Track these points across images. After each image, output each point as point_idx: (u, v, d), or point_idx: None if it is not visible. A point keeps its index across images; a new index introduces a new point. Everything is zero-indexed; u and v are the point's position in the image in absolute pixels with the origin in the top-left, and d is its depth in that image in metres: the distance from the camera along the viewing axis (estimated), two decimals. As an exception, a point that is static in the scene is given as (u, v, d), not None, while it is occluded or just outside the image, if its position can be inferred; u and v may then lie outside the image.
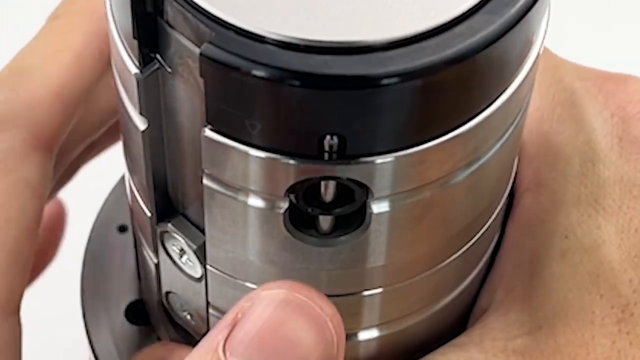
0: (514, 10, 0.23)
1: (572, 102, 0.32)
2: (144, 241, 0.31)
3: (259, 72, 0.23)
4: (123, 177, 0.36)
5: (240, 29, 0.23)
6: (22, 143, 0.32)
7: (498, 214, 0.31)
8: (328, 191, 0.25)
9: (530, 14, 0.24)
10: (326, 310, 0.25)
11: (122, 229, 0.36)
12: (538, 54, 0.26)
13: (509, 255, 0.32)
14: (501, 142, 0.26)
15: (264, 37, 0.23)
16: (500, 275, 0.32)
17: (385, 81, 0.23)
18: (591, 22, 0.68)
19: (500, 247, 0.33)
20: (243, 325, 0.25)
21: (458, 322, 0.33)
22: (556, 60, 0.33)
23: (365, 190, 0.25)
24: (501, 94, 0.25)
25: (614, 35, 0.67)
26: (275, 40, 0.23)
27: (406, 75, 0.23)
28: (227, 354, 0.25)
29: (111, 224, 0.37)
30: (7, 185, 0.31)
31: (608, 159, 0.32)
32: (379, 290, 0.29)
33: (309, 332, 0.25)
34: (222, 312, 0.30)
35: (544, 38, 0.26)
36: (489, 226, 0.30)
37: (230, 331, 0.25)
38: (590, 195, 0.31)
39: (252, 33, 0.23)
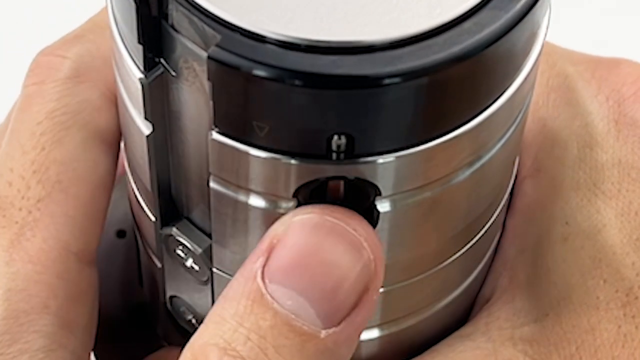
0: (519, 5, 0.24)
1: (566, 86, 0.33)
2: (147, 246, 0.31)
3: (267, 74, 0.22)
4: (121, 182, 0.35)
5: (246, 30, 0.23)
6: (99, 96, 0.32)
7: (501, 210, 0.31)
8: (336, 191, 0.25)
9: (535, 8, 0.24)
10: (359, 231, 0.25)
11: (121, 233, 0.36)
12: (541, 48, 0.26)
13: (511, 242, 0.32)
14: (505, 137, 0.27)
15: (270, 38, 0.23)
16: (503, 262, 0.32)
17: (393, 80, 0.23)
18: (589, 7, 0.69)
19: (502, 234, 0.33)
20: (279, 251, 0.25)
21: (462, 319, 0.33)
22: (548, 47, 0.33)
23: (374, 190, 0.25)
24: (507, 89, 0.25)
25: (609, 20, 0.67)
26: (282, 41, 0.23)
27: (414, 74, 0.23)
28: (267, 281, 0.25)
29: (109, 228, 0.36)
30: (83, 138, 0.31)
31: (605, 143, 0.32)
32: (382, 289, 0.29)
33: (345, 253, 0.25)
34: None
35: (546, 32, 0.26)
36: (492, 223, 0.30)
37: (267, 259, 0.25)
38: (589, 180, 0.31)
39: (258, 35, 0.23)
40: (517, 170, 0.32)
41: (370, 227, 0.26)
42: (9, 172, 0.30)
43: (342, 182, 0.25)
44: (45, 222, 0.30)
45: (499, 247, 0.33)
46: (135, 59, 0.25)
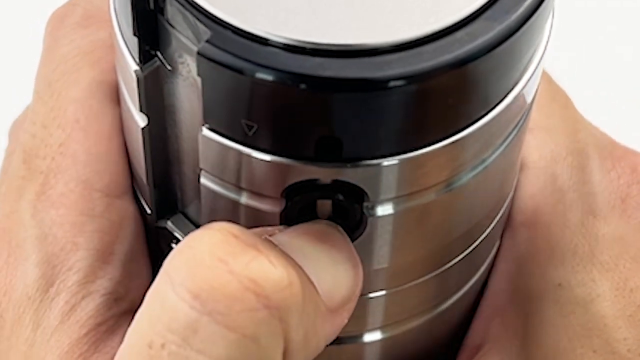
0: (514, 17, 0.23)
1: (585, 153, 0.33)
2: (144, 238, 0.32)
3: (255, 73, 0.23)
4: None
5: (238, 29, 0.23)
6: (109, 34, 0.32)
7: (501, 218, 0.31)
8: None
9: (531, 20, 0.24)
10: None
11: None
12: (541, 59, 0.26)
13: (503, 289, 0.33)
14: (500, 150, 0.27)
15: (263, 38, 0.23)
16: (495, 308, 0.32)
17: (380, 85, 0.23)
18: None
19: (492, 277, 0.33)
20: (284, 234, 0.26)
21: (462, 324, 0.34)
22: (577, 115, 0.35)
23: (363, 194, 0.25)
24: (503, 98, 0.25)
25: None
26: (274, 41, 0.23)
27: (402, 80, 0.23)
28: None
29: None
30: (96, 75, 0.32)
31: (609, 217, 0.32)
32: (382, 292, 0.29)
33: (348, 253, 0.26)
34: None
35: (547, 44, 0.26)
36: (491, 230, 0.31)
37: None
38: (588, 247, 0.32)
39: (250, 33, 0.23)
40: (514, 215, 0.33)
41: None
42: (32, 125, 0.32)
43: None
44: (66, 164, 0.31)
45: (489, 291, 0.33)
46: (132, 51, 0.26)
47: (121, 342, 0.29)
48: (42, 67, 0.32)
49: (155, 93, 0.26)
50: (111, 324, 0.30)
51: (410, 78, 0.23)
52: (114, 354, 0.29)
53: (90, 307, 0.30)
